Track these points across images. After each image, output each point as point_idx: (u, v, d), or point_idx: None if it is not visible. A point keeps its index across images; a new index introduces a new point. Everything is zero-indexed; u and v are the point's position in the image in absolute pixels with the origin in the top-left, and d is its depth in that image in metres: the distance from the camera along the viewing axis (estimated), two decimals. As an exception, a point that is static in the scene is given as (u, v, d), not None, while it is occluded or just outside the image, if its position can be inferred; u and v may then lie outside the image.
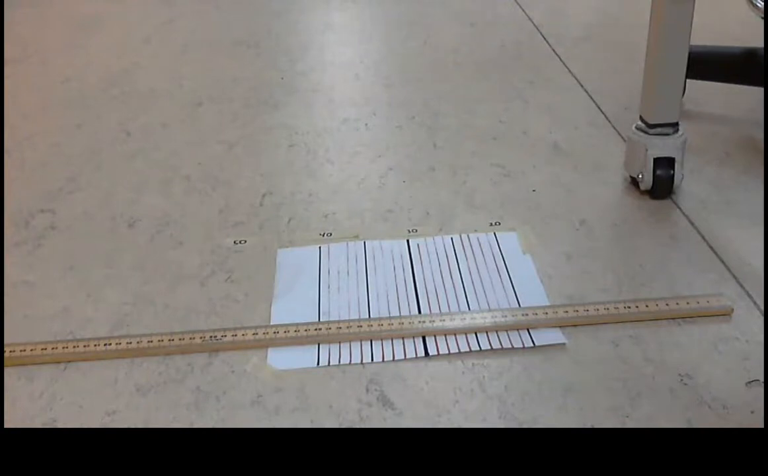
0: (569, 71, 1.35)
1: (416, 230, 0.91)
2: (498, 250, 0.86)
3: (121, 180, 1.04)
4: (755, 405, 0.66)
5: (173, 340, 0.74)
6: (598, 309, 0.76)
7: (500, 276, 0.82)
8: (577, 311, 0.76)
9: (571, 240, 0.88)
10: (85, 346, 0.74)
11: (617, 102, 1.21)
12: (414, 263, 0.85)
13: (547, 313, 0.76)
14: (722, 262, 0.83)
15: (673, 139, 0.93)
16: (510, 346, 0.72)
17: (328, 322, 0.76)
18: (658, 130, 0.93)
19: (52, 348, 0.73)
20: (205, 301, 0.80)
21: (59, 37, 1.58)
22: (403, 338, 0.74)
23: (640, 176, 0.94)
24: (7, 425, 0.65)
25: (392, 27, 1.61)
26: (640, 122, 0.95)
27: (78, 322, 0.78)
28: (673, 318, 0.75)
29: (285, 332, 0.74)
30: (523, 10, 1.63)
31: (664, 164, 0.93)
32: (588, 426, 0.64)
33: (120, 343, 0.74)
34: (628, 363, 0.70)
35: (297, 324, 0.75)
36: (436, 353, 0.72)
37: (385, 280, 0.82)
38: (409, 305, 0.78)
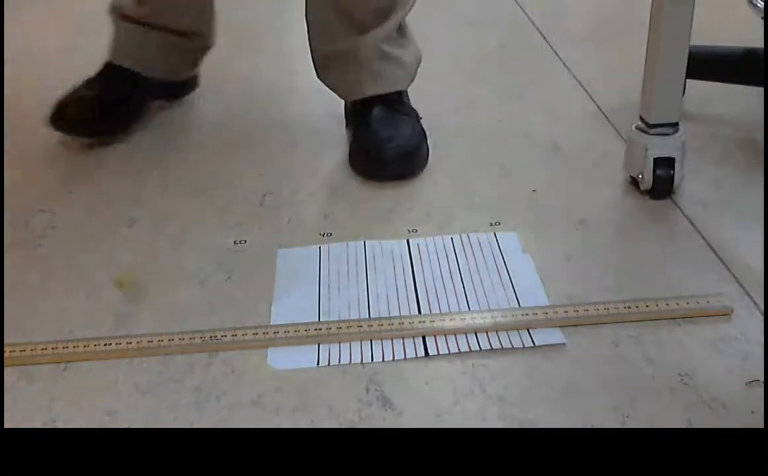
0: (569, 71, 1.35)
1: (416, 230, 0.91)
2: (498, 250, 0.86)
3: (121, 180, 1.04)
4: (755, 405, 0.66)
5: (173, 340, 0.74)
6: (598, 309, 0.76)
7: (500, 276, 0.82)
8: (577, 311, 0.76)
9: (571, 240, 0.88)
10: (85, 346, 0.73)
11: (617, 102, 1.21)
12: (414, 263, 0.85)
13: (547, 313, 0.76)
14: (722, 262, 0.83)
15: (673, 139, 0.93)
16: (510, 346, 0.72)
17: (328, 322, 0.76)
18: (658, 130, 0.93)
19: (52, 348, 0.73)
20: (205, 301, 0.80)
21: (59, 37, 1.58)
22: (403, 338, 0.74)
23: (640, 176, 0.94)
24: (7, 425, 0.65)
25: (392, 27, 1.61)
26: (640, 122, 0.95)
27: (78, 322, 0.78)
28: (673, 318, 0.75)
29: (285, 332, 0.74)
30: (523, 10, 1.63)
31: (664, 164, 0.93)
32: (588, 426, 0.64)
33: (120, 343, 0.74)
34: (628, 363, 0.70)
35: (297, 324, 0.75)
36: (436, 353, 0.72)
37: (385, 280, 0.82)
38: (409, 305, 0.78)
